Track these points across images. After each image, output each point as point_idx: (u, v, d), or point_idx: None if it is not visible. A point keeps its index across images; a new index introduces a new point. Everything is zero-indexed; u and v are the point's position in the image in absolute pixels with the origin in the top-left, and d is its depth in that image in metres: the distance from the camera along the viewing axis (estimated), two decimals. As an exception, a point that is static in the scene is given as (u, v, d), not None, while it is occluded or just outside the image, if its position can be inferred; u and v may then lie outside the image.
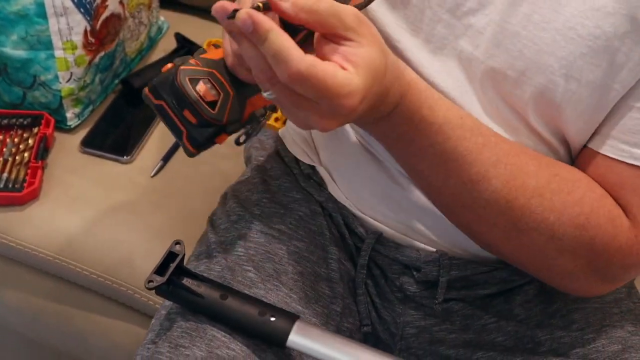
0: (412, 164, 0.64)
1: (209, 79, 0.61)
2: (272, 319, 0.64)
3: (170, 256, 0.67)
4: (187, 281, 0.67)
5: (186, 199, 0.97)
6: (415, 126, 0.59)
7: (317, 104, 0.51)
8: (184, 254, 0.67)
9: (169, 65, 0.63)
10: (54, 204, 0.94)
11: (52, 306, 0.95)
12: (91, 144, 0.99)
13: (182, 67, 0.61)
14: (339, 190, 0.78)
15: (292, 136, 0.85)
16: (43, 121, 0.97)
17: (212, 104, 0.61)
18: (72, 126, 1.00)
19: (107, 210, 0.94)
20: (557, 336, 0.71)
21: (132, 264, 0.91)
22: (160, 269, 0.66)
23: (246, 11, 0.49)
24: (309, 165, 0.82)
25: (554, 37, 0.60)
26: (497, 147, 0.62)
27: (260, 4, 0.50)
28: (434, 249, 0.75)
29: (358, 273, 0.76)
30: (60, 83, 0.94)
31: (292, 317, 0.64)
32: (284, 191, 0.80)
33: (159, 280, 0.65)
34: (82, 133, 1.01)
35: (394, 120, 0.59)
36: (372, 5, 0.64)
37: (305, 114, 0.53)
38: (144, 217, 0.93)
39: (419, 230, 0.74)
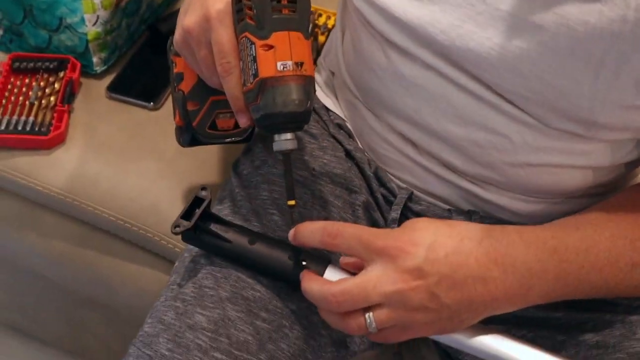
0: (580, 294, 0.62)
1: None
2: (304, 262, 0.62)
3: (197, 202, 0.66)
4: (214, 226, 0.65)
5: (213, 149, 0.95)
6: (575, 289, 0.60)
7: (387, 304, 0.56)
8: (210, 199, 0.66)
9: None
10: (80, 149, 0.93)
11: (77, 251, 0.95)
12: (118, 89, 0.98)
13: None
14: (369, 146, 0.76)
15: (322, 88, 0.83)
16: (69, 65, 0.96)
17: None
18: (98, 71, 0.99)
19: (133, 157, 0.93)
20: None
21: (157, 210, 0.90)
22: (186, 214, 0.65)
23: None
24: (339, 116, 0.80)
25: None
26: (621, 224, 0.61)
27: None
28: (467, 209, 0.73)
29: (389, 227, 0.75)
30: (87, 26, 0.93)
31: (324, 261, 0.63)
32: (311, 138, 0.79)
33: (186, 225, 0.64)
34: (109, 79, 1.00)
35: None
36: None
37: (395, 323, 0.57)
38: (170, 164, 0.92)
39: (453, 198, 0.73)
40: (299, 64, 0.56)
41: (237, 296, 0.65)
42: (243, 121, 0.61)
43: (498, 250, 0.57)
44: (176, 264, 0.72)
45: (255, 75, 0.57)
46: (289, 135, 0.58)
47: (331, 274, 0.62)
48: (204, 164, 0.93)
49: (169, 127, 0.96)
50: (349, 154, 0.78)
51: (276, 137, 0.58)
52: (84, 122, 0.95)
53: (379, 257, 0.56)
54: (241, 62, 0.58)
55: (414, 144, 0.71)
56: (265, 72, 0.56)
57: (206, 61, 0.60)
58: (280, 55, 0.56)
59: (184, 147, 0.76)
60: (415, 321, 0.57)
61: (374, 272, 0.56)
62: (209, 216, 0.66)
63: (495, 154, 0.66)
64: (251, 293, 0.65)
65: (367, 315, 0.56)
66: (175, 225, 0.64)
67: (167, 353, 0.62)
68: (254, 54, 0.56)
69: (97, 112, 0.97)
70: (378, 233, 0.57)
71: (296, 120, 0.58)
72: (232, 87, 0.59)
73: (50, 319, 1.14)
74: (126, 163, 0.92)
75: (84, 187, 0.91)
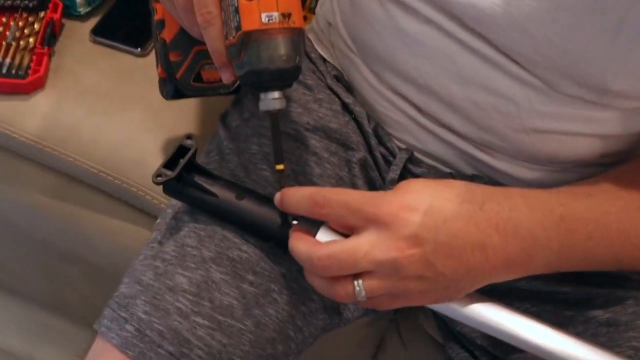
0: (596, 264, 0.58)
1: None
2: (294, 222, 0.58)
3: (181, 151, 0.60)
4: (199, 179, 0.60)
5: (202, 100, 0.89)
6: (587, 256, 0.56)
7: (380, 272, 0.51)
8: (197, 149, 0.60)
9: None
10: (61, 95, 0.87)
11: (55, 204, 0.90)
12: (103, 33, 0.92)
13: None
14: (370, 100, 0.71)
15: (320, 36, 0.77)
16: (50, 5, 0.90)
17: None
18: (82, 12, 0.93)
19: (117, 105, 0.87)
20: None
21: (142, 163, 0.85)
22: (169, 164, 0.59)
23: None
24: (337, 68, 0.74)
25: None
26: (635, 194, 0.57)
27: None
28: (470, 173, 0.67)
29: (387, 188, 0.70)
30: (70, -38, 0.86)
31: (317, 222, 0.58)
32: (305, 89, 0.73)
33: (169, 175, 0.58)
34: (93, 21, 0.94)
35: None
36: None
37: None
38: (157, 115, 0.87)
39: (455, 162, 0.68)
40: (286, 15, 0.51)
41: (222, 257, 0.60)
42: (226, 77, 0.56)
43: (500, 215, 0.52)
44: (158, 220, 0.67)
45: (238, 28, 0.51)
46: (276, 94, 0.53)
47: (324, 236, 0.57)
48: (192, 115, 0.88)
49: (157, 75, 0.91)
50: (346, 108, 0.72)
51: (262, 95, 0.54)
52: (66, 66, 0.90)
53: (371, 224, 0.51)
54: (223, 13, 0.53)
55: (414, 104, 0.67)
56: (248, 24, 0.50)
57: (185, 9, 0.54)
58: (264, 6, 0.50)
59: (167, 99, 0.71)
60: (409, 290, 0.52)
61: (365, 238, 0.51)
62: (194, 167, 0.61)
63: (498, 117, 0.61)
64: (237, 254, 0.61)
65: (356, 283, 0.52)
66: (157, 175, 0.59)
67: (144, 316, 0.57)
68: (236, 4, 0.51)
69: (80, 56, 0.91)
70: (369, 198, 0.52)
71: (284, 78, 0.53)
72: (214, 40, 0.53)
73: (29, 273, 1.10)
74: (110, 112, 0.87)
75: (63, 136, 0.86)
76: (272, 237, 0.60)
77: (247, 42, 0.51)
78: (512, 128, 0.61)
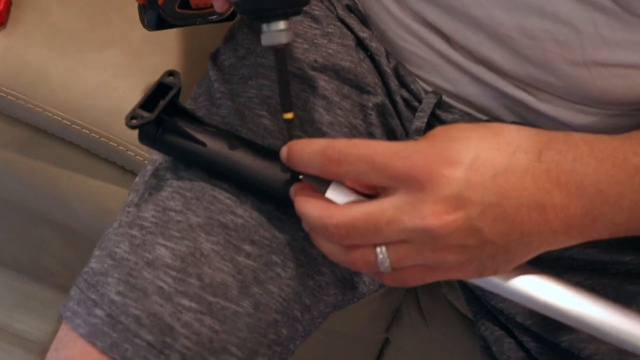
0: None
1: None
2: (300, 176, 0.47)
3: (161, 90, 0.49)
4: (183, 123, 0.49)
5: (190, 36, 0.79)
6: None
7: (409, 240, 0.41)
8: (180, 88, 0.49)
9: None
10: (26, 35, 0.76)
11: (25, 161, 0.80)
12: (74, -37, 0.80)
13: None
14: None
15: None
16: None
17: None
18: (49, -62, 0.80)
19: (93, 47, 0.76)
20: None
21: (122, 113, 0.68)
22: (147, 105, 0.48)
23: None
24: None
25: None
26: None
27: None
28: (509, 120, 0.56)
29: (411, 138, 0.58)
30: None
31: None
32: (312, 21, 0.61)
33: (146, 117, 0.47)
34: (63, -51, 0.81)
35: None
36: None
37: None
38: (138, 56, 0.76)
39: (492, 106, 0.56)
40: None
41: (212, 222, 0.49)
42: (219, 4, 0.47)
43: (562, 166, 0.41)
44: (136, 179, 0.56)
45: None
46: (281, 24, 0.43)
47: (336, 194, 0.46)
48: (179, 56, 0.78)
49: (136, 11, 0.79)
50: (361, 44, 0.61)
51: (264, 27, 0.43)
52: (32, 0, 0.78)
53: (401, 183, 0.40)
54: None
55: (445, 36, 0.55)
56: None
57: None
58: None
59: (150, 30, 0.61)
60: (446, 262, 0.42)
61: (393, 201, 0.41)
62: (177, 110, 0.50)
63: (554, 48, 0.50)
64: (231, 218, 0.50)
65: (378, 250, 0.42)
66: (132, 116, 0.48)
67: (117, 298, 0.46)
68: None
69: (49, -10, 0.79)
70: (398, 151, 0.41)
71: (290, 4, 0.44)
72: None
73: (2, 238, 1.00)
74: (84, 54, 0.76)
75: (30, 83, 0.75)
76: (274, 197, 0.50)
77: None
78: (571, 61, 0.50)
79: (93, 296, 0.47)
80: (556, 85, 0.52)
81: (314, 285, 0.53)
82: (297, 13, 0.44)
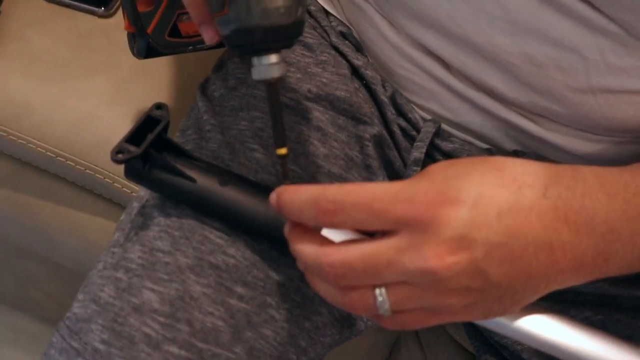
0: None
1: None
2: None
3: (149, 123, 0.47)
4: (171, 159, 0.47)
5: (179, 64, 0.77)
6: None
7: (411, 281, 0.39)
8: (168, 122, 0.47)
9: None
10: (7, 65, 0.74)
11: (11, 195, 0.78)
12: (58, -11, 0.78)
13: None
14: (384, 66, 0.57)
15: None
16: (-8, -44, 0.75)
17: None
18: (32, -35, 0.78)
19: (77, 75, 0.74)
20: None
21: (108, 144, 0.71)
22: (133, 138, 0.46)
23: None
24: (343, 22, 0.60)
25: None
26: None
27: None
28: (511, 149, 0.54)
29: (409, 170, 0.56)
30: None
31: None
32: (305, 49, 0.59)
33: (132, 151, 0.45)
34: (46, -24, 0.79)
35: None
36: None
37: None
38: (124, 86, 0.74)
39: (494, 134, 0.54)
40: None
41: (202, 264, 0.47)
42: (208, 37, 0.45)
43: (570, 202, 0.39)
44: (122, 216, 0.53)
45: None
46: (273, 58, 0.41)
47: (332, 231, 0.43)
48: (167, 86, 0.75)
49: (124, 38, 0.77)
50: (356, 72, 0.58)
51: (255, 60, 0.41)
52: (15, 30, 0.76)
53: (402, 226, 0.38)
54: None
55: (444, 62, 0.53)
56: None
57: None
58: None
59: (139, 59, 0.59)
60: (449, 305, 0.39)
61: (393, 242, 0.38)
62: (165, 144, 0.48)
63: (558, 75, 0.48)
64: (222, 259, 0.47)
65: (377, 291, 0.39)
66: (117, 151, 0.45)
67: (101, 347, 0.44)
68: None
69: (31, 18, 0.77)
70: (396, 193, 0.38)
71: (282, 37, 0.41)
72: None
73: (-15, 273, 0.97)
74: (68, 83, 0.74)
75: (13, 115, 0.72)
76: (267, 235, 0.48)
77: None
78: (575, 89, 0.48)
79: (75, 345, 0.44)
80: (561, 112, 0.50)
81: (310, 326, 0.50)
82: (288, 46, 0.42)
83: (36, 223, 0.78)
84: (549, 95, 0.49)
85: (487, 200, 0.38)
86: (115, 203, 0.75)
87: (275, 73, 0.41)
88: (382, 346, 0.79)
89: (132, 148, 0.45)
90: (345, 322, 0.53)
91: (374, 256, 0.38)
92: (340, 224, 0.39)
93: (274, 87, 0.41)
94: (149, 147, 0.46)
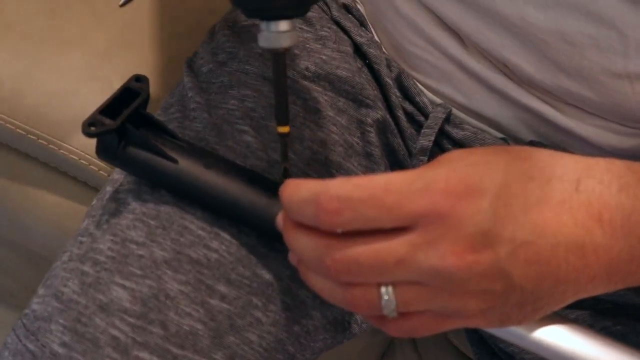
0: None
1: None
2: None
3: (126, 96, 0.42)
4: (150, 136, 0.42)
5: (164, 39, 0.71)
6: None
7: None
8: (148, 96, 0.42)
9: None
10: (-25, 33, 0.68)
11: (-26, 175, 0.71)
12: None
13: None
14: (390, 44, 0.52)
15: None
16: None
17: None
18: None
19: (53, 49, 0.69)
20: None
21: None
22: (109, 111, 0.41)
23: None
24: None
25: None
26: None
27: None
28: (528, 139, 0.49)
29: (415, 159, 0.51)
30: None
31: None
32: (303, 23, 0.54)
33: (107, 124, 0.40)
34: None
35: None
36: None
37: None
38: (104, 60, 0.69)
39: (511, 122, 0.49)
40: None
41: (180, 258, 0.41)
42: None
43: (604, 199, 0.34)
44: (93, 201, 0.48)
45: None
46: (284, 25, 0.36)
47: None
48: (150, 59, 0.70)
49: (107, 10, 0.72)
50: (359, 50, 0.53)
51: (263, 25, 0.36)
52: (-16, -4, 0.70)
53: (418, 221, 0.33)
54: None
55: (461, 39, 0.48)
56: None
57: None
58: None
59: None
60: (465, 309, 0.35)
61: (407, 238, 0.33)
62: (143, 120, 0.43)
63: (593, 56, 0.43)
64: (204, 253, 0.42)
65: (383, 290, 0.35)
66: (90, 123, 0.40)
67: (60, 350, 0.38)
68: None
69: (4, -17, 0.72)
70: (411, 181, 0.33)
71: (297, 3, 0.37)
72: None
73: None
74: (42, 56, 0.68)
75: (-20, 87, 0.67)
76: (256, 226, 0.42)
77: None
78: (611, 72, 0.43)
79: (32, 347, 0.39)
80: (591, 99, 0.45)
81: (300, 331, 0.45)
82: (302, 14, 0.37)
83: (4, 206, 0.73)
84: (579, 79, 0.44)
85: (512, 192, 0.33)
86: (91, 187, 0.70)
87: (286, 42, 0.36)
88: (375, 349, 0.74)
89: (107, 121, 0.40)
90: (339, 325, 0.48)
91: (384, 252, 0.33)
92: (345, 224, 0.34)
93: (281, 57, 0.37)
94: (126, 121, 0.41)
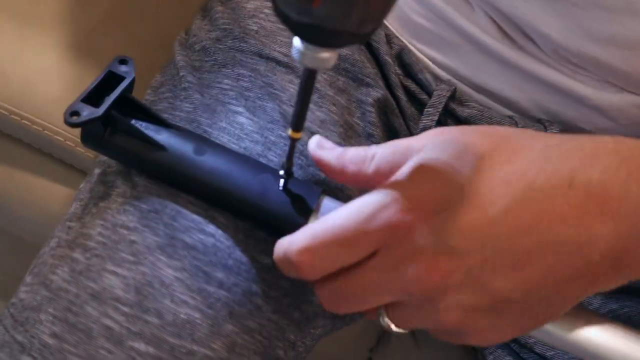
0: None
1: None
2: (282, 182, 0.39)
3: (110, 80, 0.40)
4: (137, 122, 0.40)
5: (153, 16, 0.69)
6: None
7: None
8: (134, 79, 0.40)
9: None
10: (-46, 10, 0.64)
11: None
12: None
13: None
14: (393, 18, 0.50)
15: None
16: None
17: None
18: None
19: (34, 26, 0.66)
20: None
21: (68, 103, 0.61)
22: (92, 97, 0.39)
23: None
24: None
25: None
26: None
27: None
28: (539, 117, 0.47)
29: None
30: None
31: (314, 190, 0.39)
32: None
33: (91, 112, 0.38)
34: None
35: None
36: None
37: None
38: (88, 39, 0.66)
39: (521, 99, 0.48)
40: None
41: (175, 243, 0.40)
42: None
43: (608, 188, 0.32)
44: (81, 185, 0.46)
45: None
46: (331, 51, 0.34)
47: (326, 208, 0.39)
48: (138, 39, 0.67)
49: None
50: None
51: (308, 47, 0.33)
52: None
53: (379, 249, 0.34)
54: None
55: (470, 7, 0.46)
56: None
57: None
58: None
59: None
60: (456, 328, 0.34)
61: (372, 263, 0.34)
62: (129, 105, 0.40)
63: (628, 21, 0.41)
64: (199, 238, 0.40)
65: (379, 311, 0.36)
66: (72, 112, 0.39)
67: (51, 341, 0.36)
68: None
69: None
70: (360, 215, 0.33)
71: (359, 40, 0.34)
72: None
73: None
74: (24, 34, 0.65)
75: (-40, 66, 0.64)
76: (250, 212, 0.40)
77: None
78: None
79: (20, 338, 0.37)
80: (619, 69, 0.43)
81: (300, 317, 0.43)
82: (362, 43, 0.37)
83: (-12, 190, 0.70)
84: (611, 47, 0.42)
85: (483, 191, 0.32)
86: (77, 169, 0.67)
87: (329, 65, 0.34)
88: (371, 333, 0.72)
89: (91, 108, 0.38)
90: (339, 311, 0.47)
91: (361, 281, 0.34)
92: (322, 270, 0.34)
93: (314, 74, 0.34)
94: (111, 108, 0.39)
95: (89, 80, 0.64)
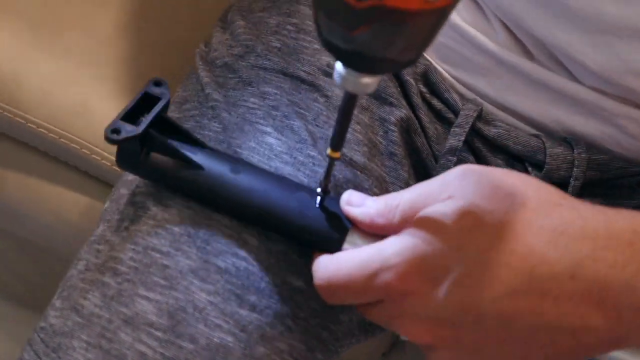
0: None
1: None
2: (317, 206, 0.40)
3: (145, 101, 0.40)
4: (174, 142, 0.41)
5: (172, 23, 0.69)
6: None
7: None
8: (169, 101, 0.40)
9: None
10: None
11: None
12: None
13: None
14: None
15: None
16: None
17: None
18: None
19: (51, 31, 0.66)
20: None
21: (84, 110, 0.64)
22: (129, 116, 0.39)
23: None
24: None
25: None
26: None
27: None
28: (564, 136, 0.48)
29: (444, 159, 0.49)
30: None
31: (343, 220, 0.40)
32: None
33: (129, 130, 0.39)
34: None
35: None
36: None
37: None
38: (106, 45, 0.66)
39: (543, 119, 0.48)
40: None
41: (208, 267, 0.40)
42: None
43: (611, 283, 0.33)
44: (105, 205, 0.45)
45: None
46: (372, 78, 0.34)
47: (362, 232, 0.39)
48: (156, 45, 0.67)
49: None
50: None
51: (351, 73, 0.34)
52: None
53: (384, 300, 0.38)
54: None
55: (494, 32, 0.46)
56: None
57: None
58: None
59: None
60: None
61: (381, 308, 0.39)
62: (165, 125, 0.41)
63: None
64: (232, 262, 0.40)
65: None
66: (113, 130, 0.39)
67: (86, 369, 0.36)
68: None
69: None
70: (369, 267, 0.37)
71: (400, 68, 0.39)
72: None
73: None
74: (41, 40, 0.65)
75: (-25, 74, 0.64)
76: (285, 233, 0.41)
77: (378, 16, 0.29)
78: None
79: None
80: None
81: (328, 337, 0.44)
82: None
83: (2, 197, 0.70)
84: None
85: (486, 270, 0.34)
86: (92, 176, 0.67)
87: (369, 90, 0.34)
88: (385, 336, 0.73)
89: (129, 127, 0.39)
90: (365, 327, 0.47)
91: (376, 315, 0.38)
92: (340, 301, 0.39)
93: (355, 98, 0.35)
94: (149, 126, 0.39)
95: (104, 86, 0.65)
